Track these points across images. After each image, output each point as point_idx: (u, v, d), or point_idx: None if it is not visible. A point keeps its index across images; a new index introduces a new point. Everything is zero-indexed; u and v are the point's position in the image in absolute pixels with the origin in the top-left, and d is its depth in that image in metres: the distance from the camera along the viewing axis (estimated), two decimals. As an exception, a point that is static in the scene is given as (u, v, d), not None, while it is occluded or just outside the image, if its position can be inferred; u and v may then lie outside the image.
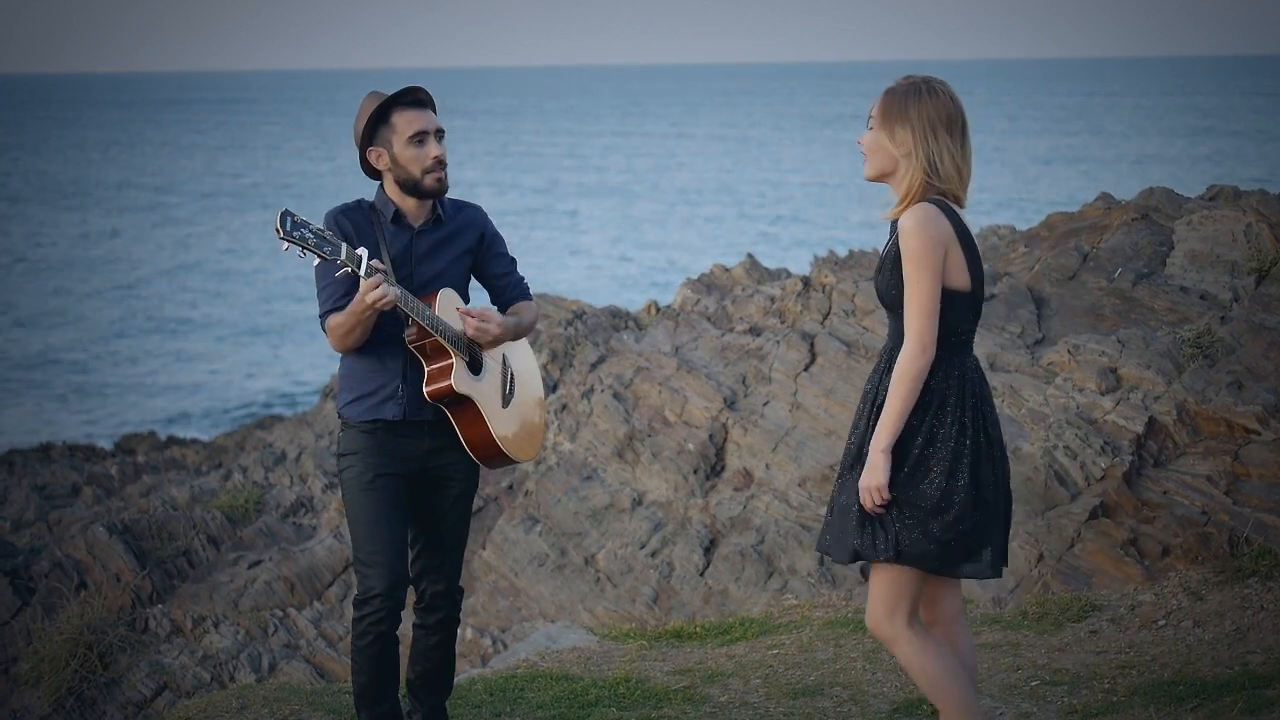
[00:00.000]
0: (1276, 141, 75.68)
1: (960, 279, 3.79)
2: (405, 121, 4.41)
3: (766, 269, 13.79)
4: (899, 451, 3.78)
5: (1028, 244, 10.86)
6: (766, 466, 9.69)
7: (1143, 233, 9.89)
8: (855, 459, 3.89)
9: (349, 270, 4.21)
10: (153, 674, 9.22)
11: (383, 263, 4.33)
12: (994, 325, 9.40)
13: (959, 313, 3.80)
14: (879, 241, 8.86)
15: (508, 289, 4.69)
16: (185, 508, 11.73)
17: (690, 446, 10.06)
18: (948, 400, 3.78)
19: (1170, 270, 9.51)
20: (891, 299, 3.83)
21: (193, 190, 66.88)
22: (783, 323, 10.74)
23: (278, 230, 4.09)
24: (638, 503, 10.05)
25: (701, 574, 9.37)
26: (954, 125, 3.79)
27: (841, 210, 53.89)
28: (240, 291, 39.51)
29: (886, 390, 3.80)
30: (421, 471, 4.50)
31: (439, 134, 4.44)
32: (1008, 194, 55.69)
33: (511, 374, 4.66)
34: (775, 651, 5.99)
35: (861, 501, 3.80)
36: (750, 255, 14.05)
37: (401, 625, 4.51)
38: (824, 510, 6.54)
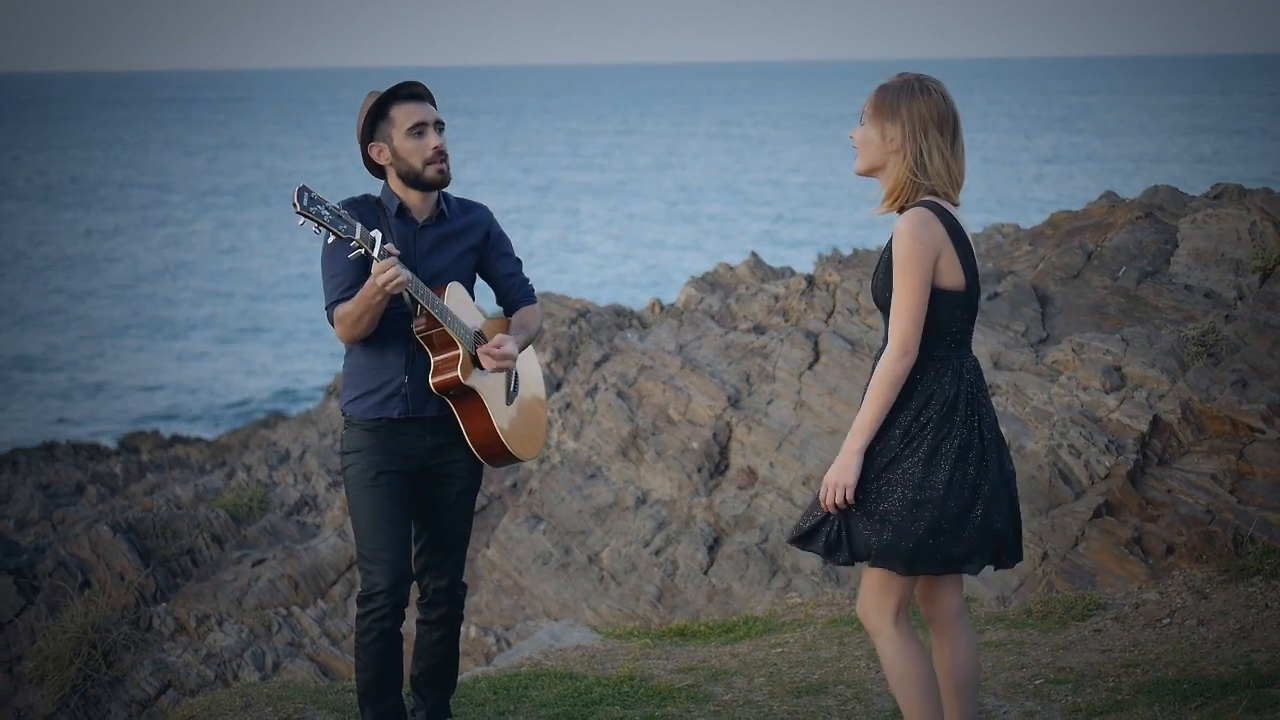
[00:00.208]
0: None
1: (953, 279, 3.78)
2: (404, 114, 4.43)
3: (771, 268, 13.78)
4: (877, 450, 3.77)
5: (1032, 242, 10.86)
6: (770, 465, 9.69)
7: (1147, 231, 9.88)
8: None
9: (361, 252, 4.22)
10: (157, 672, 9.22)
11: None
12: (998, 324, 9.40)
13: (951, 312, 3.79)
14: (881, 240, 8.86)
15: (513, 290, 4.69)
16: (189, 506, 11.74)
17: (694, 445, 10.06)
18: (931, 400, 3.77)
19: (1175, 269, 9.51)
20: (885, 300, 3.83)
21: (194, 189, 66.93)
22: (787, 321, 10.74)
23: (294, 204, 4.12)
24: (642, 501, 10.05)
25: (705, 572, 9.37)
26: (945, 124, 3.79)
27: (843, 209, 53.88)
28: (243, 290, 39.53)
29: None
30: (424, 469, 4.50)
31: (438, 126, 4.46)
32: (1011, 193, 55.67)
33: (515, 372, 4.66)
34: (779, 650, 5.99)
35: (822, 496, 3.79)
36: (754, 254, 14.03)
37: (405, 623, 4.51)
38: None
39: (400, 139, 4.42)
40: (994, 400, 8.46)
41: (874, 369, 3.84)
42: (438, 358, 4.40)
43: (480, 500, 10.55)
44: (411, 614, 4.65)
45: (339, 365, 22.96)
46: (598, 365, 11.60)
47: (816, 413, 9.76)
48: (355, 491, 4.45)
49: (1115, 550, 7.38)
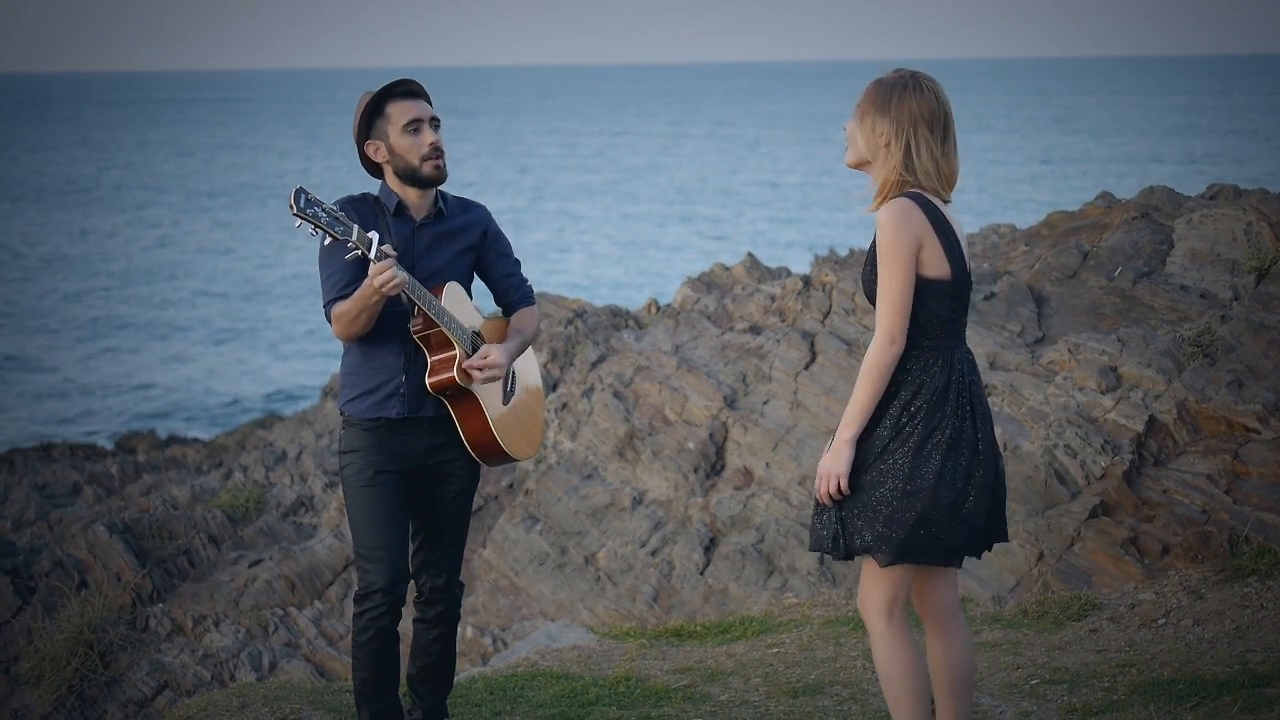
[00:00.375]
0: (1276, 141, 75.68)
1: (938, 269, 3.79)
2: (399, 111, 4.43)
3: (767, 268, 13.79)
4: (868, 441, 3.78)
5: (1028, 243, 10.87)
6: (767, 465, 9.69)
7: (1143, 231, 9.89)
8: None
9: (358, 253, 4.22)
10: (153, 673, 9.22)
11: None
12: (994, 324, 9.41)
13: (938, 301, 3.81)
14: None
15: (511, 290, 4.70)
16: (186, 507, 11.74)
17: (690, 445, 10.07)
18: (921, 390, 3.78)
19: (1170, 269, 9.52)
20: (873, 292, 3.86)
21: (190, 189, 66.87)
22: (783, 321, 10.75)
23: (291, 206, 4.12)
24: (638, 501, 10.05)
25: (702, 573, 9.38)
26: (936, 123, 3.80)
27: (840, 210, 53.88)
28: (238, 291, 39.51)
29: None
30: (422, 468, 4.51)
31: (434, 122, 4.46)
32: (1007, 193, 55.70)
33: (513, 373, 4.67)
34: (775, 650, 6.00)
35: (815, 486, 3.81)
36: (750, 254, 14.05)
37: (402, 622, 4.52)
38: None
39: (396, 136, 4.43)
40: (990, 401, 8.47)
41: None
42: (434, 358, 4.41)
43: (477, 501, 10.55)
44: (408, 613, 4.65)
45: (334, 366, 22.97)
46: (594, 365, 11.61)
47: (813, 413, 9.77)
48: (353, 491, 4.46)
49: (1111, 550, 7.39)
